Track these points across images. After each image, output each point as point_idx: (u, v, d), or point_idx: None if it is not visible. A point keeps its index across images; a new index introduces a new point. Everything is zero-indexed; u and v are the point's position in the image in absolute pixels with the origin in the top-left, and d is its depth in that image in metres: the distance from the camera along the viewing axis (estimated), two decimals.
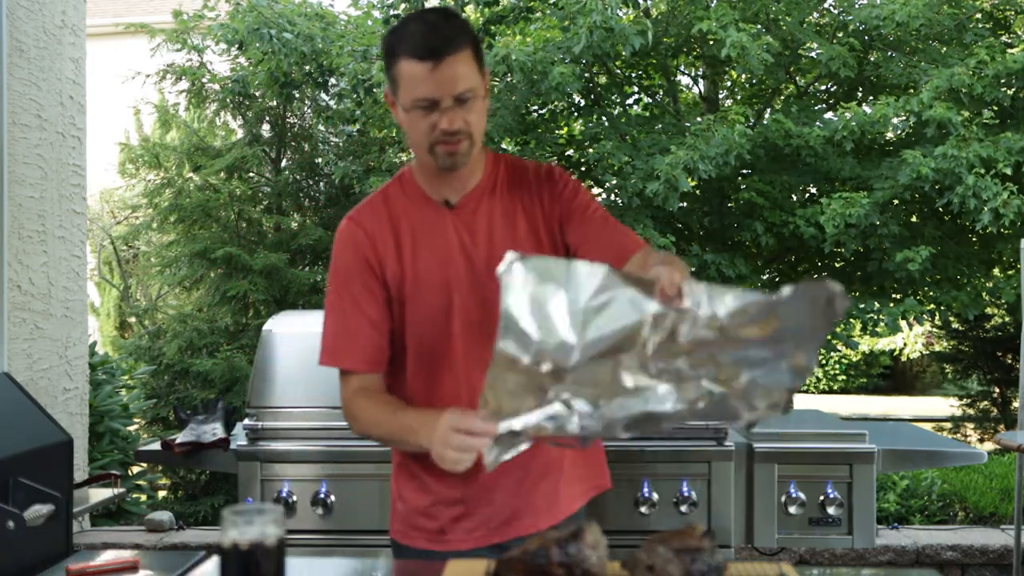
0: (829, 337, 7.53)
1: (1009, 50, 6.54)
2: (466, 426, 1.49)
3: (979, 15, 6.96)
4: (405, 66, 1.66)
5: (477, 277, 1.78)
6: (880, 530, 4.31)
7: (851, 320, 7.22)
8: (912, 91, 6.76)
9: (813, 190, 7.29)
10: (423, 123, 1.69)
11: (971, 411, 9.23)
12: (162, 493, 6.38)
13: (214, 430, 2.69)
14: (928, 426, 8.54)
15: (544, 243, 1.83)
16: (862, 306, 7.08)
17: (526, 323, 1.38)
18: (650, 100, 7.64)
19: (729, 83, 7.80)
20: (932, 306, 7.19)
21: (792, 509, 2.56)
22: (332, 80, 7.67)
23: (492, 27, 7.12)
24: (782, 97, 7.63)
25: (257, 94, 7.61)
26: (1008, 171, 6.05)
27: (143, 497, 5.34)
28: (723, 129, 6.15)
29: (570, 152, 7.44)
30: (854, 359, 12.96)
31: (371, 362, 1.81)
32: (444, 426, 1.53)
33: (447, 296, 1.78)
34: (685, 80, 7.95)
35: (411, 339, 1.81)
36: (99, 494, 2.44)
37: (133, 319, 8.44)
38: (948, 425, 9.26)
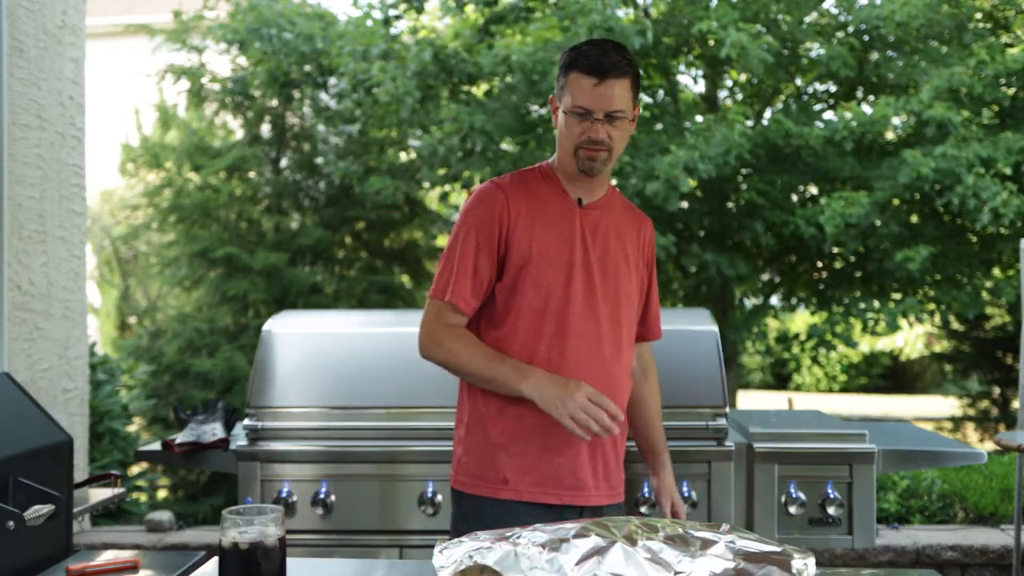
0: (829, 337, 7.53)
1: (1009, 50, 6.54)
2: (604, 405, 1.91)
3: (979, 15, 6.96)
4: (574, 77, 2.01)
5: (590, 267, 2.08)
6: (880, 530, 4.31)
7: (851, 320, 7.22)
8: (912, 91, 6.76)
9: (813, 190, 7.29)
10: (576, 128, 2.02)
11: (971, 411, 9.23)
12: (162, 493, 6.39)
13: (214, 430, 2.69)
14: (928, 426, 8.55)
15: (640, 271, 2.20)
16: (862, 306, 7.08)
17: None
18: (650, 100, 7.64)
19: (729, 83, 7.80)
20: (932, 306, 7.18)
21: (792, 509, 2.55)
22: (332, 80, 7.67)
23: (492, 27, 7.11)
24: (782, 97, 7.63)
25: (257, 94, 7.61)
26: (1008, 171, 6.05)
27: (143, 497, 5.34)
28: (723, 129, 6.15)
29: None
30: (854, 359, 12.96)
31: (469, 305, 2.06)
32: (581, 397, 1.91)
33: (568, 272, 2.05)
34: (685, 80, 7.95)
35: (526, 303, 2.05)
36: (99, 494, 2.43)
37: (133, 319, 8.45)
38: (948, 425, 9.26)
